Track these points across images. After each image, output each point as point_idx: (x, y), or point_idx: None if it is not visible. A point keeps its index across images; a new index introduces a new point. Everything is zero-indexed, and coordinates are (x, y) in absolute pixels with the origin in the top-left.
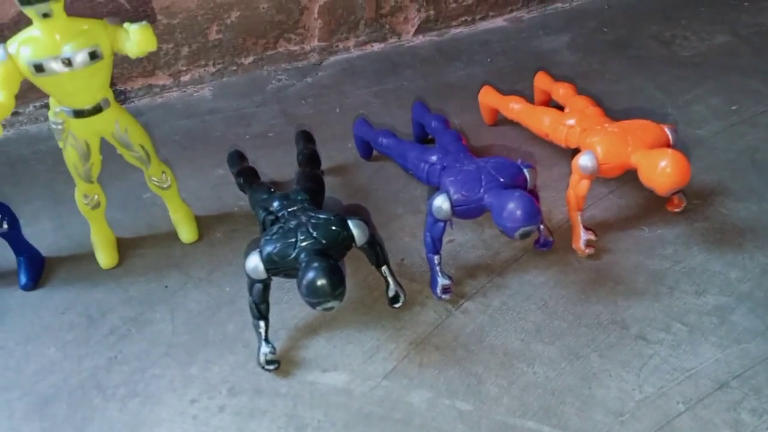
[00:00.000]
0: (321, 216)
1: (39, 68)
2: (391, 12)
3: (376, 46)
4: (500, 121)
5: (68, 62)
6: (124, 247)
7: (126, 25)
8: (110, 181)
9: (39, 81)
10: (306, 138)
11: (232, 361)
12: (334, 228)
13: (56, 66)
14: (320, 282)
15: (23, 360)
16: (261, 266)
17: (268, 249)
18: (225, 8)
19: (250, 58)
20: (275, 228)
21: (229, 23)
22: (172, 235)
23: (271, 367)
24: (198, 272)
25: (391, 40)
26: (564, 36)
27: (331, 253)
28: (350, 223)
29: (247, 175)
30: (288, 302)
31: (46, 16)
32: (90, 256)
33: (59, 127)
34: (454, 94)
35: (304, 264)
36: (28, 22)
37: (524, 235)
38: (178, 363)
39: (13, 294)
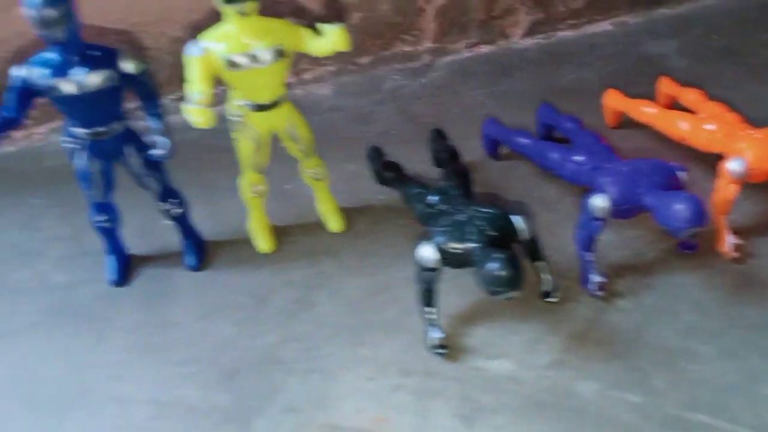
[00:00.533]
0: (488, 210)
1: (232, 64)
2: (502, 14)
3: (485, 48)
4: (622, 123)
5: (257, 59)
6: (277, 234)
7: (321, 25)
8: None
9: (228, 75)
10: (441, 136)
11: (398, 344)
12: (502, 222)
13: (246, 62)
14: (506, 273)
15: (201, 335)
16: (434, 255)
17: (442, 239)
18: (348, 9)
19: (368, 59)
20: (445, 220)
21: (352, 24)
22: (319, 225)
23: (442, 351)
24: (349, 260)
25: (499, 42)
26: (672, 41)
27: (500, 246)
28: (516, 218)
29: (394, 170)
30: (445, 291)
31: (243, 14)
32: (246, 242)
33: (239, 119)
34: (566, 96)
35: (482, 255)
36: None
37: (693, 235)
38: (348, 343)
39: (182, 275)
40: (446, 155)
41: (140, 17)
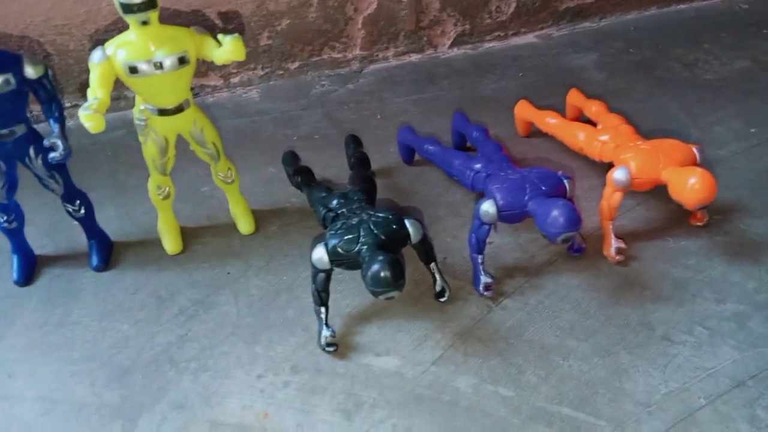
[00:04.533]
0: (380, 215)
1: (133, 70)
2: (430, 25)
3: (414, 57)
4: (533, 133)
5: (159, 65)
6: (187, 235)
7: (220, 36)
8: (172, 175)
9: (130, 81)
10: (356, 142)
11: (293, 342)
12: (393, 226)
13: (148, 69)
14: (385, 273)
15: (99, 334)
16: (326, 257)
17: (333, 242)
18: (277, 16)
19: (296, 64)
20: (339, 224)
21: (279, 30)
22: (231, 227)
23: (331, 349)
24: (257, 261)
25: (427, 51)
26: (592, 54)
27: (390, 249)
28: (407, 222)
29: (304, 174)
30: (341, 291)
31: (144, 23)
32: (155, 242)
33: (143, 123)
34: (488, 105)
35: (367, 257)
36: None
37: (565, 240)
38: (244, 342)
39: (86, 275)
40: (354, 161)
41: (58, 21)
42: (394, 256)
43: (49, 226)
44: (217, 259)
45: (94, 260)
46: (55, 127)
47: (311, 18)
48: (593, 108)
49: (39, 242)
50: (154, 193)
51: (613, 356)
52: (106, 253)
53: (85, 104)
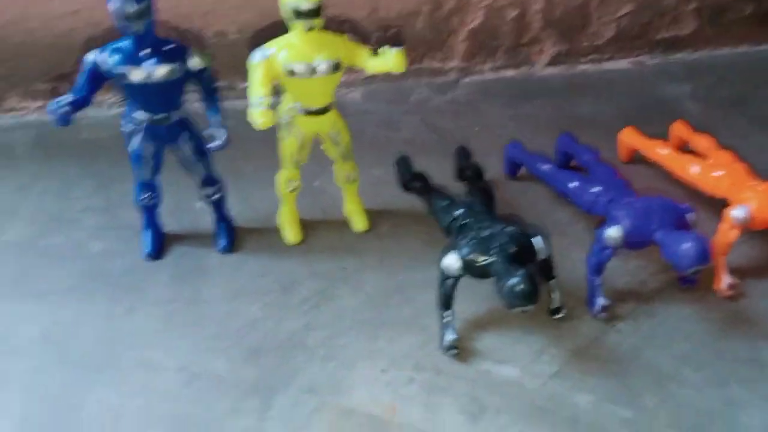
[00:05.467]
0: (512, 229)
1: (292, 71)
2: (529, 43)
3: (510, 72)
4: (633, 159)
5: (315, 69)
6: (304, 228)
7: (383, 48)
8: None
9: (286, 81)
10: (467, 154)
11: (413, 341)
12: (523, 241)
13: (305, 71)
14: (524, 288)
15: (230, 315)
16: (457, 265)
17: (466, 251)
18: (386, 23)
19: None
20: (471, 234)
21: (387, 37)
22: (344, 223)
23: (454, 352)
24: (370, 259)
25: (523, 67)
26: (685, 86)
27: (519, 262)
28: (536, 239)
29: (423, 181)
30: (461, 298)
31: (310, 29)
32: (273, 230)
33: (288, 120)
34: (583, 127)
35: (501, 270)
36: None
37: (695, 273)
38: (365, 336)
39: (212, 255)
40: (471, 173)
41: (190, 8)
42: (531, 270)
43: (173, 206)
44: (332, 252)
45: (222, 242)
46: (215, 118)
47: (418, 27)
48: (702, 142)
49: (165, 221)
50: (284, 185)
51: (727, 388)
52: (232, 236)
53: (254, 102)
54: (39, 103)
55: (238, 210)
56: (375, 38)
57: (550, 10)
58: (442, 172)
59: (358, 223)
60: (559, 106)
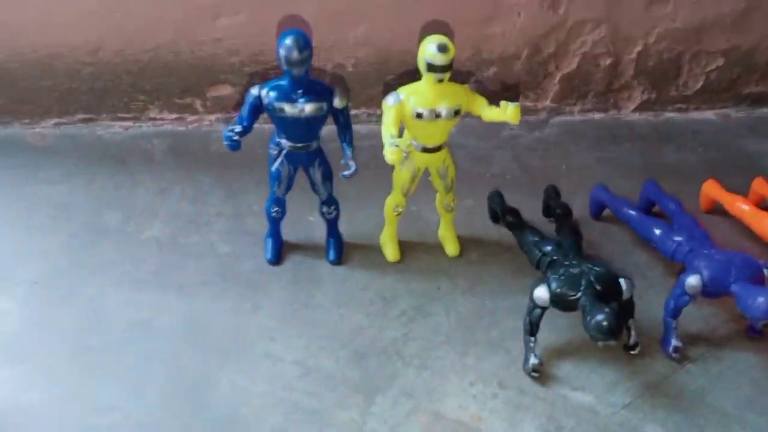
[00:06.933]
0: (600, 269)
1: (419, 116)
2: (619, 89)
3: (597, 115)
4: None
5: (438, 115)
6: (402, 248)
7: (504, 103)
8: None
9: (412, 123)
10: (556, 193)
11: (498, 361)
12: (610, 281)
13: (429, 116)
14: (609, 324)
15: (339, 320)
16: (547, 296)
17: (556, 285)
18: (487, 64)
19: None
20: (561, 270)
21: (486, 76)
22: (437, 247)
23: (536, 374)
24: (462, 283)
25: (611, 112)
26: None
27: (604, 300)
28: (622, 281)
29: (515, 216)
30: (542, 326)
31: (439, 81)
32: (375, 248)
33: (406, 155)
34: (668, 174)
35: (588, 306)
36: None
37: (765, 325)
38: (456, 352)
39: (323, 266)
40: (561, 211)
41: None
42: (617, 308)
43: (289, 220)
44: (428, 273)
45: (332, 255)
46: (348, 150)
47: (516, 69)
48: None
49: (283, 231)
50: (391, 209)
51: None
52: (341, 250)
53: (390, 141)
54: (174, 116)
55: (344, 228)
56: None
57: (644, 60)
58: (529, 208)
59: (451, 248)
60: (644, 151)
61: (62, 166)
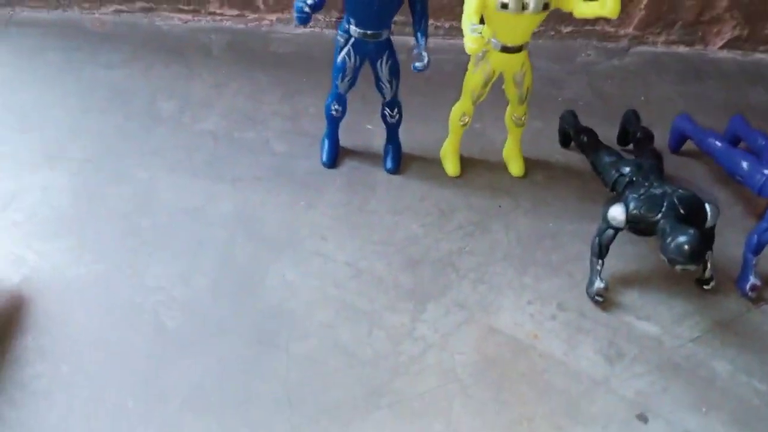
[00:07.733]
0: (684, 191)
1: (504, 5)
2: (709, 21)
3: (682, 48)
4: None
5: (525, 6)
6: (463, 164)
7: None
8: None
9: (495, 15)
10: (636, 117)
11: (558, 283)
12: (694, 205)
13: (515, 7)
14: (692, 247)
15: (393, 226)
16: (623, 216)
17: (634, 205)
18: None
19: (569, 28)
20: (642, 190)
21: None
22: (501, 165)
23: (600, 299)
24: (525, 203)
25: (697, 46)
26: None
27: (688, 224)
28: (707, 206)
29: (590, 135)
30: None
31: None
32: (434, 161)
33: (481, 54)
34: (755, 116)
35: (669, 228)
36: None
37: None
38: (514, 269)
39: (379, 173)
40: (642, 136)
41: None
42: (701, 233)
43: (347, 127)
44: (489, 190)
45: (389, 163)
46: (422, 41)
47: None
48: None
49: (341, 136)
50: (456, 118)
51: None
52: (399, 159)
53: (472, 27)
54: (235, 12)
55: (403, 138)
56: None
57: None
58: (602, 135)
59: (515, 167)
60: (731, 92)
61: (120, 52)
